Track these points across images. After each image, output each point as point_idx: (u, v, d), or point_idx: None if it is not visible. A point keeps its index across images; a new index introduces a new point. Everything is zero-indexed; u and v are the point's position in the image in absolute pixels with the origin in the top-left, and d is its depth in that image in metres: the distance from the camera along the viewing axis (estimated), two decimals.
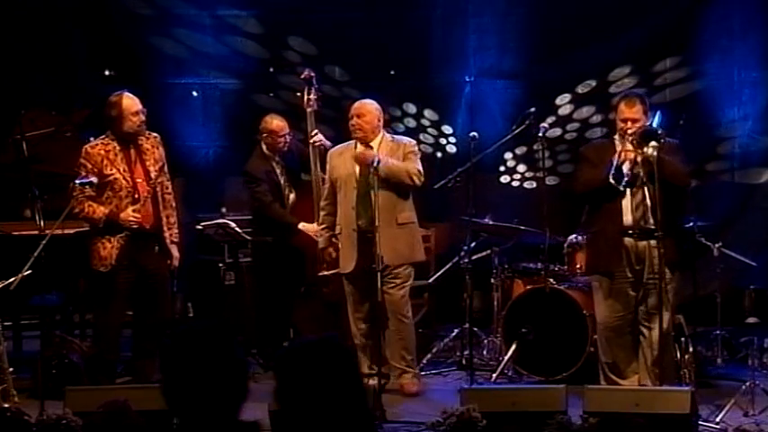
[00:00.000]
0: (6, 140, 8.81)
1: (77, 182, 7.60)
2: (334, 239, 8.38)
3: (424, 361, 9.10)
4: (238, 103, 10.73)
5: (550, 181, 9.99)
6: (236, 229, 9.14)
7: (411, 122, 10.67)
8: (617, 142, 7.49)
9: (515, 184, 10.62)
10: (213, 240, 9.48)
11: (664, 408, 6.55)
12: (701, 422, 6.93)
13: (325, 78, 10.09)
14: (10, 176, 8.85)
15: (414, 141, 8.50)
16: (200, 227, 9.45)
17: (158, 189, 7.80)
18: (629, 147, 7.36)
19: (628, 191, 7.41)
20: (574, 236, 8.79)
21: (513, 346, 8.47)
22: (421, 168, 8.21)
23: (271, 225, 9.02)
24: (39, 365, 7.94)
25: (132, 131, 7.74)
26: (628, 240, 7.47)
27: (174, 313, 9.38)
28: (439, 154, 10.67)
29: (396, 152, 8.23)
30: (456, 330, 9.08)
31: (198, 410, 3.43)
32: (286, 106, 9.96)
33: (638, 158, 7.33)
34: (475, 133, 8.56)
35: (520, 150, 10.52)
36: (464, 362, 8.71)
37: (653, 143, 7.21)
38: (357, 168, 8.19)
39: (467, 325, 8.57)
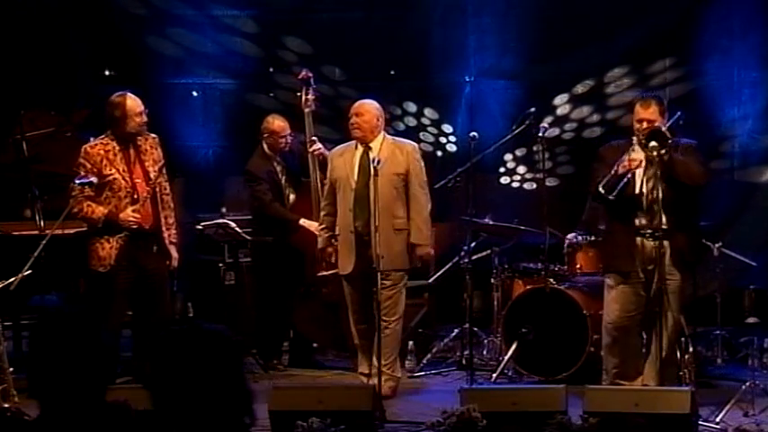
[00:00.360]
0: (6, 140, 8.81)
1: (77, 182, 7.60)
2: (333, 240, 8.36)
3: (424, 361, 9.11)
4: (238, 103, 10.74)
5: (551, 182, 10.00)
6: (236, 229, 9.14)
7: (411, 121, 10.67)
8: (635, 143, 7.49)
9: (515, 185, 10.62)
10: (213, 240, 9.48)
11: (664, 408, 6.55)
12: (701, 422, 6.93)
13: (324, 79, 10.09)
14: (10, 176, 8.86)
15: (416, 146, 8.44)
16: (200, 227, 9.44)
17: (157, 189, 7.79)
18: (634, 155, 7.35)
19: (643, 191, 7.40)
20: (573, 235, 8.80)
21: (513, 346, 8.47)
22: (425, 184, 8.19)
23: (271, 225, 9.02)
24: None
25: (134, 132, 7.74)
26: (641, 240, 7.47)
27: (173, 313, 9.40)
28: (439, 153, 10.67)
29: (396, 155, 8.15)
30: (456, 330, 9.08)
31: (63, 394, 3.44)
32: (286, 106, 9.95)
33: (649, 159, 7.31)
34: (475, 133, 8.55)
35: (520, 152, 10.52)
36: (464, 362, 8.71)
37: (652, 143, 7.22)
38: (356, 170, 8.17)
39: (467, 325, 8.56)
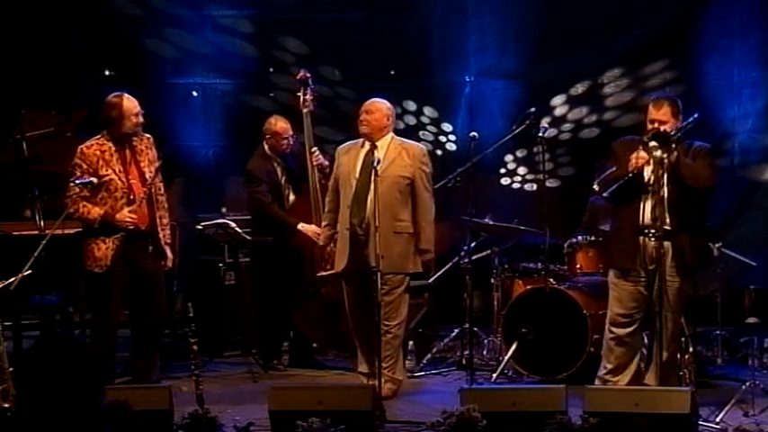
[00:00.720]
0: (6, 140, 8.81)
1: (77, 182, 7.59)
2: (335, 237, 8.34)
3: (424, 361, 9.11)
4: (238, 103, 10.75)
5: (551, 183, 10.02)
6: (236, 229, 9.15)
7: (411, 120, 10.67)
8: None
9: (516, 186, 10.62)
10: (213, 240, 9.49)
11: (664, 408, 6.55)
12: (701, 422, 6.92)
13: (324, 79, 10.09)
14: (10, 176, 8.86)
15: (424, 149, 8.38)
16: (200, 227, 9.45)
17: (152, 190, 7.78)
18: (642, 154, 7.35)
19: (649, 191, 7.40)
20: (574, 238, 8.81)
21: (513, 346, 8.47)
22: (431, 197, 8.19)
23: (270, 225, 9.02)
24: None
25: (131, 132, 7.73)
26: (643, 240, 7.47)
27: (173, 313, 9.41)
28: (439, 152, 10.67)
29: (403, 157, 8.10)
30: (456, 330, 9.07)
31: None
32: (286, 107, 9.95)
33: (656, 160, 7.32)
34: (475, 133, 8.55)
35: (521, 153, 10.52)
36: (464, 362, 8.70)
37: (652, 143, 7.22)
38: (358, 168, 8.17)
39: (467, 325, 8.55)
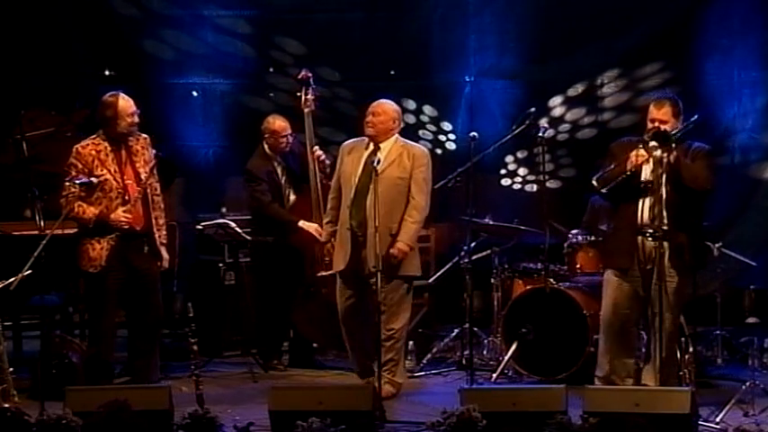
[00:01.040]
0: (6, 140, 8.81)
1: (77, 182, 7.59)
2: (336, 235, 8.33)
3: (424, 361, 9.11)
4: (238, 103, 10.74)
5: (552, 184, 10.03)
6: (236, 229, 9.15)
7: (410, 118, 10.67)
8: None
9: (517, 187, 10.62)
10: (213, 240, 9.49)
11: (664, 408, 6.55)
12: (701, 422, 6.92)
13: (324, 79, 10.09)
14: (10, 176, 8.86)
15: (426, 151, 8.33)
16: (200, 227, 9.45)
17: (148, 191, 7.76)
18: (641, 152, 7.35)
19: (647, 191, 7.40)
20: (576, 231, 8.80)
21: (513, 346, 8.48)
22: (426, 198, 8.13)
23: (270, 225, 9.02)
24: (39, 365, 7.95)
25: (126, 132, 7.71)
26: (641, 240, 7.47)
27: (173, 313, 9.41)
28: (438, 151, 10.67)
29: (403, 159, 8.09)
30: (456, 330, 9.07)
31: None
32: (286, 106, 9.95)
33: (653, 160, 7.32)
34: (475, 133, 8.54)
35: (521, 153, 10.52)
36: (464, 362, 8.70)
37: (652, 143, 7.22)
38: (360, 168, 8.16)
39: (467, 325, 8.55)
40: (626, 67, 10.43)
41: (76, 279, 8.38)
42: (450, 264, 9.32)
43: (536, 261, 9.00)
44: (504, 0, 10.56)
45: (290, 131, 9.10)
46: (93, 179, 7.58)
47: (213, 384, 8.37)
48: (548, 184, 9.18)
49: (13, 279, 7.33)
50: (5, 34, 10.26)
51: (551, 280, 8.63)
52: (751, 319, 9.18)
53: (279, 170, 9.12)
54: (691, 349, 7.87)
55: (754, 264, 9.12)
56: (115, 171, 7.66)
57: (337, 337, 8.77)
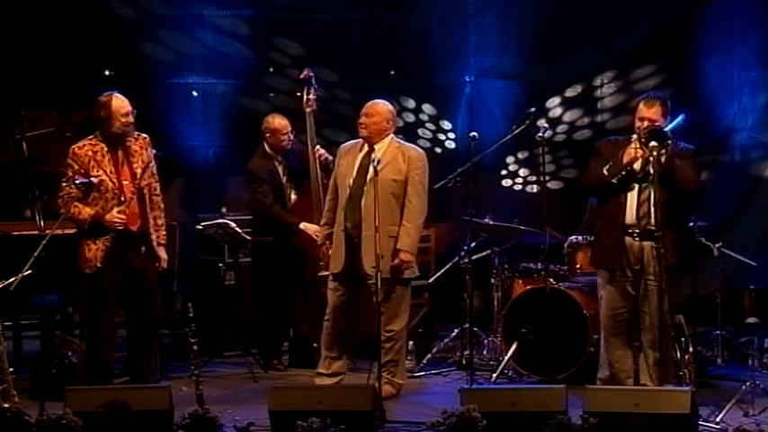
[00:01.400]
0: (6, 140, 8.81)
1: (77, 182, 7.58)
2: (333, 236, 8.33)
3: (424, 361, 9.11)
4: (238, 103, 10.74)
5: (554, 185, 10.03)
6: (237, 229, 9.15)
7: (410, 117, 10.67)
8: (633, 141, 7.49)
9: (518, 188, 10.62)
10: (213, 240, 9.48)
11: (664, 408, 6.55)
12: (701, 422, 6.92)
13: (324, 79, 10.09)
14: (10, 176, 8.86)
15: (422, 153, 8.30)
16: (200, 227, 9.45)
17: (146, 191, 7.74)
18: (636, 146, 7.36)
19: (635, 189, 7.41)
20: (574, 236, 8.80)
21: (513, 346, 8.48)
22: (423, 201, 8.11)
23: (271, 225, 9.03)
24: (39, 365, 7.95)
25: (121, 132, 7.68)
26: (628, 239, 7.48)
27: (174, 313, 9.41)
28: (438, 149, 10.68)
29: (398, 161, 8.07)
30: (456, 330, 9.07)
31: None
32: (286, 106, 9.95)
33: (647, 158, 7.32)
34: (475, 133, 8.54)
35: (522, 154, 10.52)
36: (464, 362, 8.70)
37: (653, 143, 7.22)
38: (355, 170, 8.15)
39: (467, 325, 8.56)
40: (626, 67, 10.43)
41: (76, 279, 8.38)
42: (450, 264, 9.32)
43: (536, 261, 9.00)
44: (503, 0, 10.56)
45: (290, 129, 9.11)
46: (93, 179, 7.58)
47: (213, 384, 8.37)
48: (550, 185, 9.17)
49: (13, 279, 7.33)
50: (5, 34, 10.26)
51: (551, 280, 8.63)
52: (751, 319, 9.17)
53: (280, 170, 9.12)
54: (691, 349, 7.87)
55: (754, 264, 9.12)
56: (111, 172, 7.64)
57: None
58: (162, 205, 7.89)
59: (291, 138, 9.12)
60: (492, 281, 9.16)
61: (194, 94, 10.80)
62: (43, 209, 8.47)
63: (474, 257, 8.95)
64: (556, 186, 10.32)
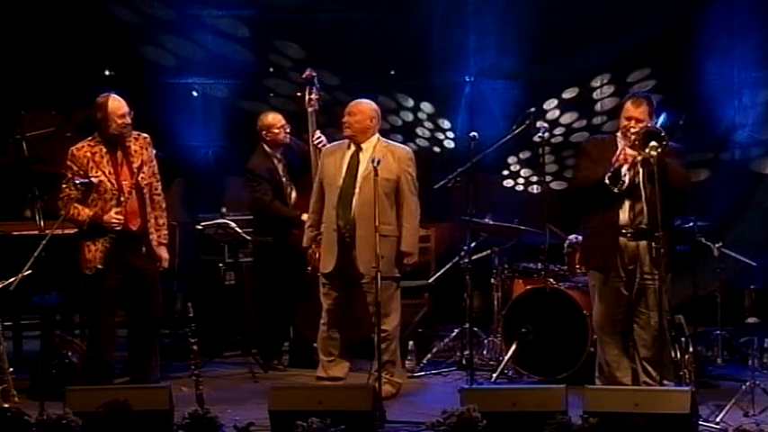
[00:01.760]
0: (6, 140, 8.81)
1: (77, 182, 7.59)
2: (318, 239, 8.30)
3: (424, 361, 9.11)
4: (238, 103, 10.74)
5: (555, 186, 10.02)
6: (237, 229, 9.15)
7: (408, 116, 10.67)
8: (619, 140, 7.49)
9: (519, 188, 10.61)
10: (213, 240, 9.49)
11: (664, 408, 6.55)
12: (701, 422, 6.93)
13: (324, 80, 10.09)
14: (10, 176, 8.86)
15: (410, 151, 8.33)
16: (200, 227, 9.45)
17: (147, 191, 7.74)
18: (629, 149, 7.35)
19: (627, 189, 7.40)
20: (574, 236, 8.80)
21: (513, 346, 8.48)
22: (416, 191, 8.12)
23: (271, 225, 9.03)
24: (39, 365, 7.95)
25: (118, 133, 7.67)
26: (621, 240, 7.47)
27: (174, 313, 9.41)
28: (437, 149, 10.68)
29: (388, 160, 8.04)
30: (456, 330, 9.07)
31: None
32: (286, 106, 9.96)
33: (639, 159, 7.33)
34: (475, 133, 8.54)
35: (524, 155, 10.52)
36: (464, 362, 8.71)
37: (653, 143, 7.22)
38: (344, 169, 8.14)
39: (467, 325, 8.56)
40: (626, 67, 10.42)
41: (76, 279, 8.38)
42: (450, 264, 9.32)
43: (536, 261, 9.00)
44: (504, 0, 10.56)
45: (284, 122, 9.12)
46: (93, 179, 7.58)
47: (213, 384, 8.37)
48: (552, 186, 9.17)
49: (13, 279, 7.33)
50: (5, 34, 10.26)
51: (551, 280, 8.63)
52: (751, 319, 9.18)
53: (279, 167, 9.13)
54: (691, 349, 7.88)
55: (754, 264, 9.11)
56: (110, 173, 7.64)
57: None
58: (163, 205, 7.89)
59: (287, 131, 9.13)
60: (492, 281, 9.16)
61: (194, 93, 10.80)
62: (43, 209, 8.48)
63: (474, 257, 8.95)
64: (558, 187, 10.32)
